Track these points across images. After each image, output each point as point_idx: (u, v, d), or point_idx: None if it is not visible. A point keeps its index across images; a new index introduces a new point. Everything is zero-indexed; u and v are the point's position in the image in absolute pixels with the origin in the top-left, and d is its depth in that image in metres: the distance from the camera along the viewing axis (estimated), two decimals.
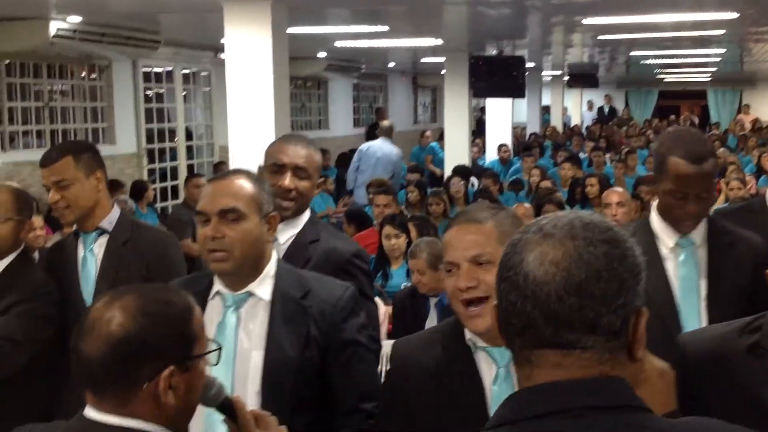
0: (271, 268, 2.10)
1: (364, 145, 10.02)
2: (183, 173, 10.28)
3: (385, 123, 10.43)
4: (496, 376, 1.79)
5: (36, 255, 4.30)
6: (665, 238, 2.47)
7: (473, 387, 1.79)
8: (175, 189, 10.34)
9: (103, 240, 2.85)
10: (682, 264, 2.46)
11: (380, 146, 9.67)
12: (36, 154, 8.07)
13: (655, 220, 2.51)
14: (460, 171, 9.86)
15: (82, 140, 3.41)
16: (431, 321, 4.45)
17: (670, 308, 2.41)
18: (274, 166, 2.58)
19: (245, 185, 2.07)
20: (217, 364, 1.54)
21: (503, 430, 1.11)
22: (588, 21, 8.20)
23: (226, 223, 2.01)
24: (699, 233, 2.47)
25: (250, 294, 2.06)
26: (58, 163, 2.79)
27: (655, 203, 2.55)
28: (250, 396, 1.95)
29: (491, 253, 1.75)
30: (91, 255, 2.85)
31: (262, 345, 2.02)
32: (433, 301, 4.47)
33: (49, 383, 2.90)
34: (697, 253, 2.47)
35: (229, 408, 1.60)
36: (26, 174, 7.80)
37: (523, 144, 14.05)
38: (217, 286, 2.08)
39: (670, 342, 1.70)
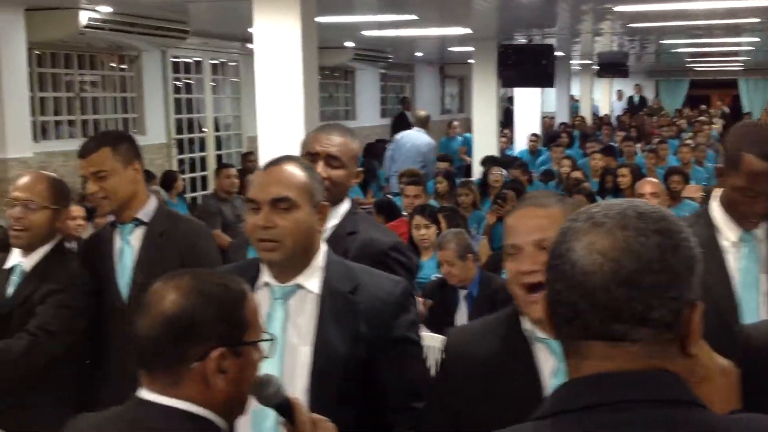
0: (320, 259, 2.03)
1: (399, 135, 10.01)
2: (211, 164, 10.32)
3: (420, 113, 10.41)
4: (556, 369, 1.72)
5: (74, 245, 4.34)
6: (727, 231, 2.40)
7: (530, 379, 1.73)
8: (203, 179, 10.38)
9: (140, 231, 2.83)
10: (743, 258, 2.39)
11: (414, 136, 9.67)
12: (67, 145, 8.23)
13: (717, 213, 2.43)
14: (490, 161, 9.81)
15: (119, 131, 3.42)
16: (461, 313, 4.43)
17: (730, 302, 2.34)
18: (307, 156, 2.52)
19: (297, 173, 2.00)
20: (270, 357, 1.52)
21: (549, 422, 1.09)
22: (619, 8, 8.10)
23: (278, 212, 1.94)
24: (762, 228, 2.42)
25: (299, 286, 2.00)
26: (96, 154, 2.77)
27: (718, 195, 2.49)
28: (297, 392, 1.88)
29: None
30: (128, 246, 2.83)
31: (310, 341, 1.96)
32: (462, 293, 4.45)
33: (79, 373, 2.92)
34: (759, 248, 2.41)
35: (286, 409, 1.56)
36: (58, 164, 7.87)
37: (552, 134, 13.94)
38: (265, 276, 2.02)
39: (730, 337, 1.62)
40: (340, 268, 2.05)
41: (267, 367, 1.70)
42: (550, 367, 1.74)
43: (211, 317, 1.40)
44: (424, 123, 9.81)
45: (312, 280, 2.00)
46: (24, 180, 2.84)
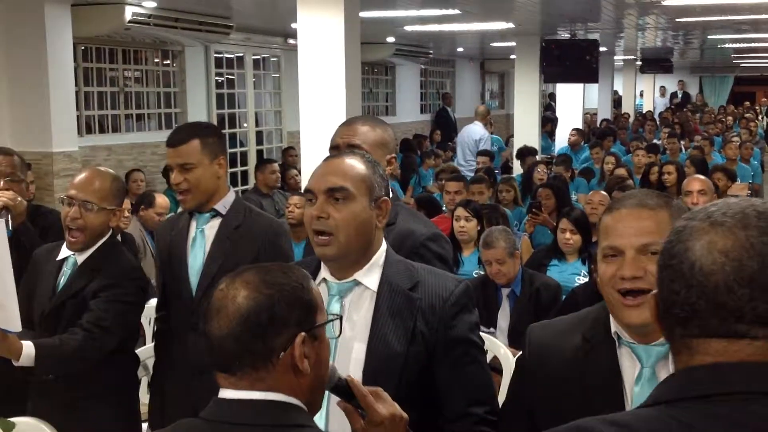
0: (380, 256, 1.97)
1: (463, 128, 11.03)
2: (252, 159, 10.38)
3: (480, 107, 11.41)
4: (639, 375, 1.67)
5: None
6: None
7: (612, 383, 1.68)
8: (244, 174, 10.44)
9: (216, 222, 2.82)
10: None
11: (472, 129, 10.55)
12: (111, 139, 8.33)
13: None
14: (526, 152, 9.76)
15: (209, 123, 3.40)
16: (503, 311, 4.38)
17: None
18: (331, 150, 2.48)
19: (357, 165, 1.94)
20: (338, 337, 1.50)
21: (662, 409, 1.07)
22: (665, 2, 7.96)
23: (333, 203, 1.88)
24: None
25: (357, 283, 1.94)
26: (185, 146, 2.75)
27: None
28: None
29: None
30: (202, 235, 2.82)
31: (365, 337, 1.90)
32: (505, 291, 4.40)
33: (132, 365, 2.94)
34: None
35: (343, 389, 1.57)
36: (101, 158, 7.97)
37: (596, 131, 13.78)
38: (324, 273, 1.97)
39: None
40: (400, 266, 1.99)
41: None
42: (634, 373, 1.68)
43: (286, 305, 1.41)
44: (482, 116, 10.69)
45: (370, 277, 1.95)
46: (82, 178, 2.82)
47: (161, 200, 6.07)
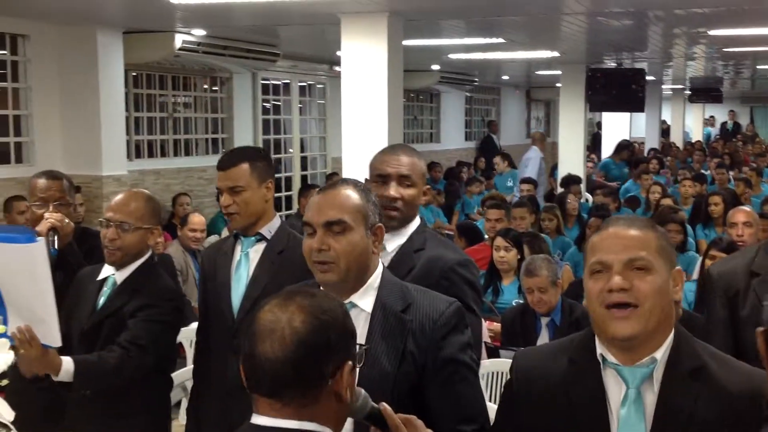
0: (375, 279, 2.05)
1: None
2: (297, 184, 10.48)
3: (535, 133, 12.51)
4: (624, 396, 1.70)
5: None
6: None
7: (597, 405, 1.70)
8: (288, 199, 10.55)
9: (260, 246, 2.86)
10: None
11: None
12: (159, 163, 8.48)
13: None
14: (571, 180, 9.68)
15: (258, 147, 3.48)
16: (542, 340, 4.34)
17: None
18: (378, 178, 2.55)
19: (351, 196, 2.03)
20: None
21: None
22: (713, 32, 7.89)
23: (332, 234, 1.98)
24: None
25: (353, 305, 2.01)
26: (235, 169, 2.81)
27: None
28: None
29: (649, 260, 1.68)
30: (246, 259, 2.86)
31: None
32: (544, 320, 4.36)
33: (166, 385, 2.99)
34: None
35: (377, 417, 1.58)
36: (150, 182, 8.13)
37: (639, 159, 13.64)
38: None
39: None
40: (394, 288, 2.06)
41: None
42: (619, 394, 1.71)
43: (339, 333, 1.42)
44: (538, 141, 11.74)
45: (365, 299, 2.02)
46: (118, 200, 2.92)
47: (195, 218, 6.15)
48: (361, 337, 1.97)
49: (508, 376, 1.92)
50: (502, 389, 1.94)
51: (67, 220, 3.19)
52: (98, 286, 2.91)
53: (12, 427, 1.57)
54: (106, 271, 2.92)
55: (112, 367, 2.69)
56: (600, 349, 1.74)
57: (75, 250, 3.29)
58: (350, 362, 1.42)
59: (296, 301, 1.42)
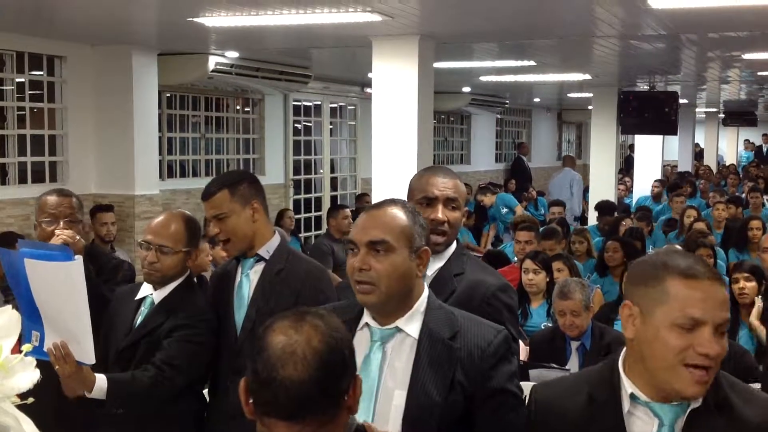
0: (421, 304, 2.01)
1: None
2: (326, 204, 10.51)
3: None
4: None
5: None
6: None
7: None
8: (318, 219, 10.58)
9: (260, 267, 2.89)
10: None
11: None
12: (191, 183, 8.56)
13: None
14: (604, 207, 9.58)
15: (240, 170, 3.50)
16: (572, 364, 4.29)
17: None
18: (424, 200, 2.53)
19: (398, 217, 1.99)
20: None
21: None
22: (747, 56, 7.82)
23: (374, 254, 1.95)
24: None
25: (398, 330, 1.98)
26: (216, 197, 2.86)
27: None
28: None
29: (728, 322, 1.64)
30: (247, 280, 2.90)
31: (405, 384, 1.93)
32: (574, 344, 4.32)
33: (197, 405, 2.99)
34: None
35: None
36: (181, 202, 8.20)
37: (673, 184, 13.50)
38: (366, 317, 2.02)
39: None
40: (440, 314, 2.02)
41: (361, 408, 1.70)
42: (648, 431, 1.67)
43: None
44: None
45: (412, 324, 1.99)
46: (158, 222, 2.94)
47: None
48: (407, 364, 1.96)
49: (527, 410, 1.89)
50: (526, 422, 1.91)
51: (78, 237, 3.23)
52: (136, 305, 2.95)
53: None
54: (145, 290, 2.95)
55: (145, 386, 2.71)
56: (630, 388, 1.70)
57: (87, 267, 3.32)
58: (359, 375, 1.45)
59: (309, 322, 1.43)
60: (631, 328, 1.67)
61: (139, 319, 2.91)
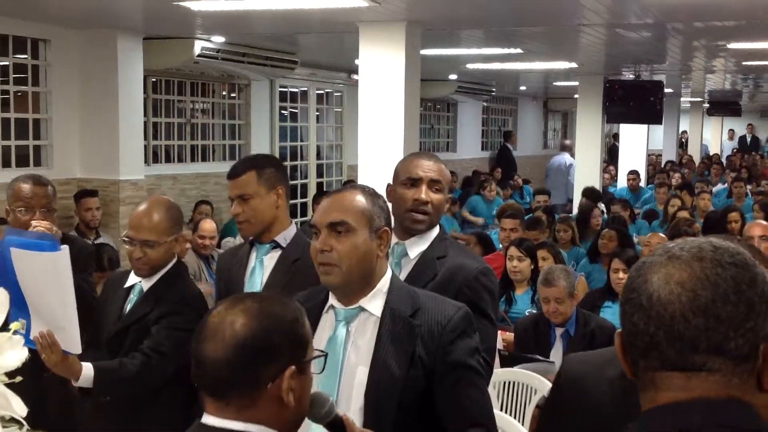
0: (384, 284, 2.08)
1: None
2: (312, 191, 10.50)
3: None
4: None
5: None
6: None
7: None
8: (304, 206, 10.57)
9: (275, 254, 2.87)
10: None
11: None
12: (176, 169, 8.54)
13: None
14: (590, 194, 9.65)
15: (267, 155, 3.48)
16: (556, 351, 4.33)
17: None
18: (408, 181, 2.59)
19: (357, 199, 2.06)
20: (321, 372, 1.56)
21: None
22: (733, 46, 7.85)
23: (335, 236, 2.01)
24: None
25: (362, 309, 2.05)
26: (242, 177, 2.84)
27: None
28: (352, 412, 1.93)
29: None
30: (260, 266, 2.88)
31: (368, 361, 2.00)
32: (559, 331, 4.35)
33: (186, 392, 2.99)
34: None
35: (338, 426, 1.60)
36: (166, 188, 8.17)
37: (658, 171, 13.59)
38: (332, 300, 2.08)
39: None
40: (403, 293, 2.08)
41: (325, 386, 1.76)
42: None
43: (281, 337, 1.44)
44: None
45: (374, 303, 2.05)
46: (139, 216, 2.90)
47: (206, 225, 6.19)
48: (370, 341, 2.02)
49: (555, 384, 1.90)
50: (550, 392, 1.92)
51: (55, 228, 3.21)
52: (125, 293, 2.94)
53: (25, 423, 1.58)
54: (134, 278, 2.95)
55: (132, 374, 2.71)
56: None
57: None
58: (293, 368, 1.43)
59: (243, 304, 1.46)
60: None
61: (128, 307, 2.91)
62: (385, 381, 1.96)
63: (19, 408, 1.37)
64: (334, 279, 2.01)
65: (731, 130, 21.81)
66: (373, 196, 2.10)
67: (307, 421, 1.62)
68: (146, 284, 2.91)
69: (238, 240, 3.32)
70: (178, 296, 2.87)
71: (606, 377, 1.76)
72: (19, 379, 1.50)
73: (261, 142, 9.73)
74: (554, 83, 13.53)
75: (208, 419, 1.44)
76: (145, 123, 7.72)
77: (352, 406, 1.94)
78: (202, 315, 2.84)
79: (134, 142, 7.28)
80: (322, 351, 1.56)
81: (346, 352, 2.01)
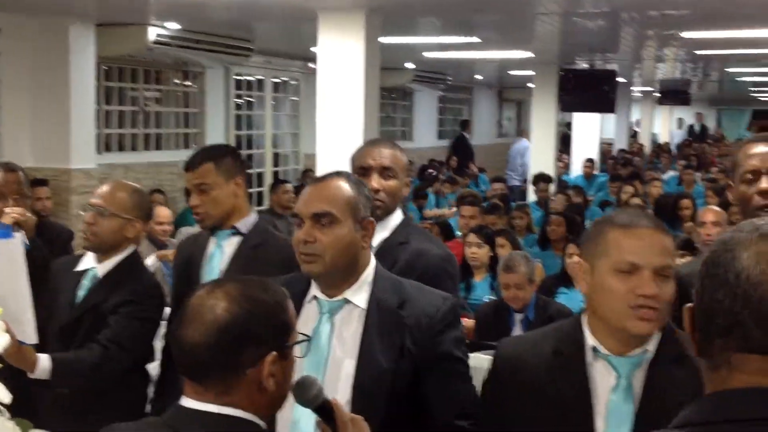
0: (369, 274, 2.05)
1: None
2: (268, 180, 10.43)
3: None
4: (616, 385, 1.74)
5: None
6: None
7: (582, 394, 1.75)
8: (260, 195, 10.50)
9: (235, 240, 2.85)
10: None
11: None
12: (129, 158, 8.41)
13: None
14: (541, 178, 9.79)
15: (224, 144, 3.45)
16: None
17: None
18: (360, 170, 2.57)
19: (342, 188, 2.02)
20: (304, 357, 1.54)
21: (692, 431, 1.07)
22: (685, 34, 7.98)
23: (319, 227, 1.98)
24: None
25: (346, 301, 2.02)
26: (200, 168, 2.82)
27: None
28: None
29: (672, 267, 1.73)
30: (219, 252, 2.86)
31: (354, 354, 1.97)
32: (518, 316, 4.39)
33: (143, 382, 2.95)
34: None
35: (326, 410, 1.58)
36: (118, 176, 8.02)
37: (615, 161, 13.79)
38: (314, 290, 2.05)
39: None
40: (388, 283, 2.06)
41: None
42: (609, 383, 1.75)
43: (263, 322, 1.42)
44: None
45: (359, 295, 2.02)
46: (103, 187, 2.91)
47: (162, 211, 6.11)
48: (356, 333, 1.99)
49: (492, 366, 1.93)
50: (488, 374, 1.95)
51: (29, 214, 3.15)
52: (76, 278, 2.86)
53: (5, 410, 1.55)
54: (86, 263, 2.88)
55: (90, 365, 2.66)
56: (592, 341, 1.78)
57: (39, 244, 3.24)
58: (275, 353, 1.42)
59: (224, 288, 1.44)
60: (584, 284, 1.79)
61: (81, 293, 2.83)
62: (375, 373, 1.94)
63: (2, 395, 1.34)
64: (317, 268, 1.98)
65: (680, 119, 22.21)
66: (358, 185, 2.07)
67: (291, 405, 1.61)
68: (102, 269, 2.84)
69: (196, 229, 3.29)
70: (135, 285, 2.82)
71: (540, 354, 1.82)
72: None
73: (216, 130, 9.63)
74: (509, 72, 13.63)
75: (186, 402, 1.42)
76: (97, 111, 7.57)
77: (338, 398, 1.90)
78: (160, 305, 2.84)
79: (86, 131, 7.15)
80: (306, 335, 1.54)
81: (332, 345, 1.98)
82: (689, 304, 1.14)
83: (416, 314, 2.00)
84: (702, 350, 1.12)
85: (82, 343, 2.73)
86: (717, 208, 5.72)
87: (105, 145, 8.21)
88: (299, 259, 2.02)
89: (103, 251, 2.85)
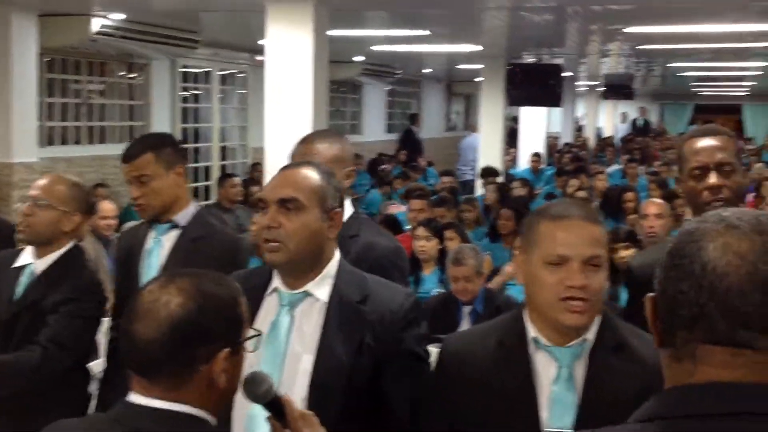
0: (332, 267, 2.00)
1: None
2: (215, 174, 10.33)
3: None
4: (557, 375, 1.76)
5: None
6: None
7: (526, 385, 1.76)
8: (207, 189, 10.39)
9: (174, 233, 2.81)
10: None
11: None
12: (72, 151, 8.25)
13: None
14: (490, 172, 9.88)
15: (163, 133, 3.37)
16: (464, 328, 4.40)
17: None
18: None
19: (311, 176, 1.97)
20: (254, 351, 1.52)
21: (655, 426, 1.05)
22: (629, 30, 8.12)
23: (285, 213, 1.92)
24: None
25: (307, 294, 1.97)
26: (139, 159, 2.76)
27: None
28: (296, 401, 1.88)
29: (603, 257, 1.74)
30: (158, 246, 2.81)
31: (313, 348, 1.93)
32: (466, 309, 4.42)
33: (84, 380, 2.90)
34: None
35: (276, 406, 1.56)
36: (61, 170, 7.86)
37: (561, 154, 13.95)
38: (276, 281, 2.00)
39: None
40: (351, 278, 2.02)
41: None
42: (551, 374, 1.77)
43: (217, 318, 1.40)
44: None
45: (321, 288, 1.97)
46: (42, 180, 2.85)
47: (106, 206, 6.00)
48: (316, 328, 1.94)
49: (438, 361, 1.94)
50: (435, 370, 1.96)
51: None
52: (15, 274, 2.79)
53: None
54: (24, 258, 2.80)
55: (31, 367, 2.60)
56: (533, 332, 1.80)
57: None
58: (228, 349, 1.40)
59: (177, 283, 1.41)
60: (520, 274, 1.81)
61: (19, 290, 2.75)
62: (332, 369, 1.90)
63: None
64: (280, 257, 1.91)
65: (623, 113, 22.58)
66: (328, 175, 2.02)
67: (245, 402, 1.59)
68: (40, 265, 2.77)
69: None
70: (77, 282, 2.75)
71: (486, 347, 1.83)
72: None
73: (162, 123, 9.48)
74: (457, 66, 13.69)
75: (133, 398, 1.40)
76: (39, 104, 7.40)
77: (295, 393, 1.85)
78: (102, 302, 2.79)
79: (28, 124, 6.98)
80: (257, 330, 1.51)
81: (290, 339, 1.94)
82: (651, 294, 1.12)
83: (379, 310, 1.96)
84: (664, 341, 1.10)
85: (20, 340, 2.67)
86: (659, 201, 5.84)
87: (48, 138, 8.04)
88: (263, 247, 1.96)
89: (38, 244, 2.78)
